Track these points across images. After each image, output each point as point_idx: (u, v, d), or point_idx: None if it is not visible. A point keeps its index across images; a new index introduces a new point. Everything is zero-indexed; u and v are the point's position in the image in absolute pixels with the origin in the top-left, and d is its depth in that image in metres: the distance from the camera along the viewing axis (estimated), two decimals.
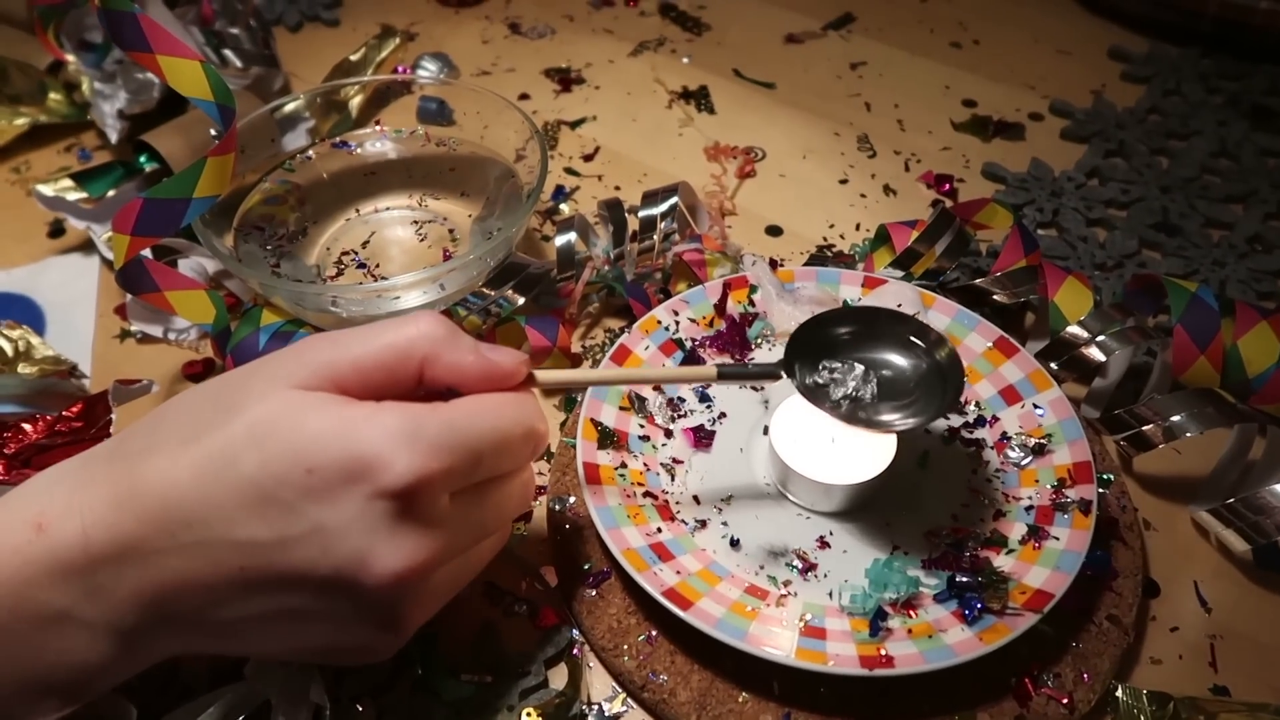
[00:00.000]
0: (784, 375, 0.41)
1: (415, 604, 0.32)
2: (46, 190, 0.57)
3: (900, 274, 0.54)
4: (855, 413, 0.41)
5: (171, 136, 0.60)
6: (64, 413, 0.48)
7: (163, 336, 0.55)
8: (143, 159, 0.60)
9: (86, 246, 0.60)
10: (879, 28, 0.80)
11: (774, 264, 0.54)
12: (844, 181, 0.66)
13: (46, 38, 0.64)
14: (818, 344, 0.42)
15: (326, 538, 0.29)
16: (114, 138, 0.62)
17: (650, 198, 0.57)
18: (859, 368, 0.42)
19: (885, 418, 0.41)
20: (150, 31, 0.45)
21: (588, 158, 0.68)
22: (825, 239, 0.62)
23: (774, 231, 0.62)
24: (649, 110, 0.72)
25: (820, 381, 0.42)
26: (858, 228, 0.62)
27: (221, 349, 0.50)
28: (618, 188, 0.65)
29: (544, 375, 0.37)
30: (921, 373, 0.42)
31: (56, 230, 0.62)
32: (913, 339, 0.42)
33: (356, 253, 0.55)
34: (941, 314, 0.51)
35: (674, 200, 0.56)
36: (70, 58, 0.66)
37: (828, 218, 0.63)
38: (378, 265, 0.55)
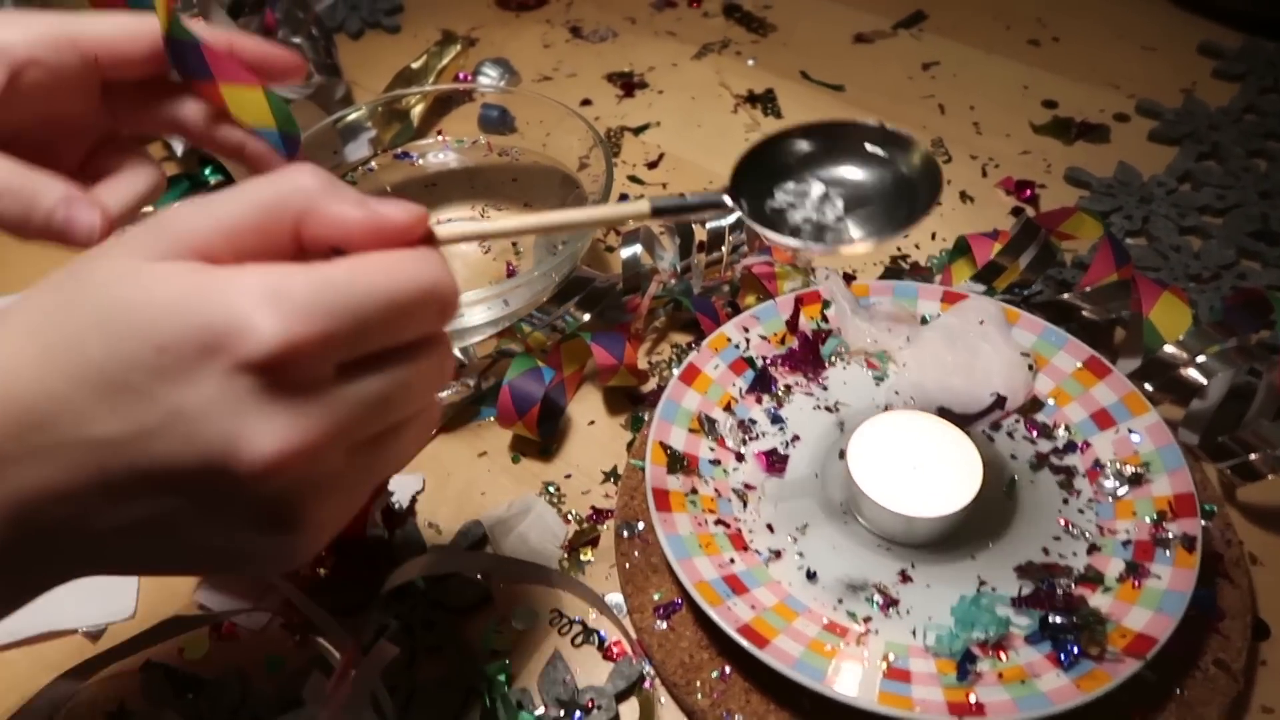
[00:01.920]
0: (729, 204, 0.33)
1: (312, 496, 0.27)
2: None
3: (982, 288, 0.52)
4: (820, 236, 0.34)
5: None
6: None
7: None
8: (208, 171, 0.60)
9: None
10: (952, 25, 0.77)
11: (848, 278, 0.52)
12: None
13: None
14: (771, 167, 0.35)
15: (187, 424, 0.25)
16: (179, 148, 0.62)
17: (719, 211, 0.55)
18: (817, 185, 0.35)
19: (853, 237, 0.34)
20: (213, 60, 0.44)
21: (651, 165, 0.66)
22: (899, 249, 0.59)
23: None
24: (714, 115, 0.70)
25: (776, 207, 0.35)
26: (933, 237, 0.60)
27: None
28: (682, 195, 0.63)
29: (444, 230, 0.30)
30: (890, 183, 0.35)
31: None
32: (877, 148, 0.35)
33: None
34: (1027, 331, 0.48)
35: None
36: None
37: None
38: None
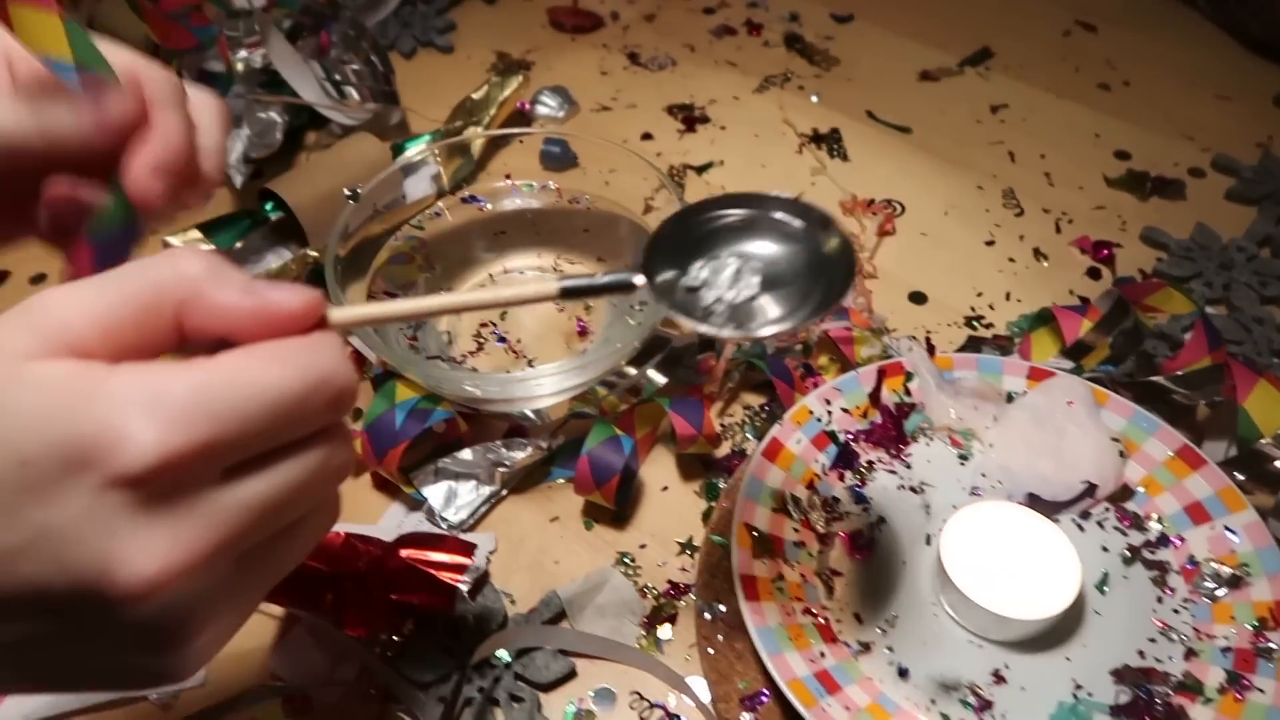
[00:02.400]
0: (638, 284, 0.31)
1: (198, 613, 0.25)
2: (175, 241, 0.56)
3: (1069, 365, 0.50)
4: (734, 316, 0.32)
5: (298, 185, 0.58)
6: None
7: None
8: (269, 207, 0.59)
9: None
10: (1019, 65, 0.76)
11: (931, 348, 0.51)
12: (990, 243, 0.62)
13: None
14: (689, 240, 0.33)
15: (56, 544, 0.24)
16: (239, 182, 0.61)
17: None
18: (730, 263, 0.33)
19: (768, 320, 0.32)
20: None
21: None
22: (973, 309, 0.58)
23: (918, 299, 0.59)
24: (778, 154, 0.68)
25: (692, 284, 0.33)
26: (1008, 297, 0.59)
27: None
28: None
29: (340, 313, 0.28)
30: (806, 261, 0.33)
31: None
32: (793, 220, 0.33)
33: (495, 324, 0.54)
34: (1116, 414, 0.47)
35: None
36: None
37: (974, 284, 0.60)
38: (519, 340, 0.53)
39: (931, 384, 0.49)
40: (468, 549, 0.42)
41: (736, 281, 0.33)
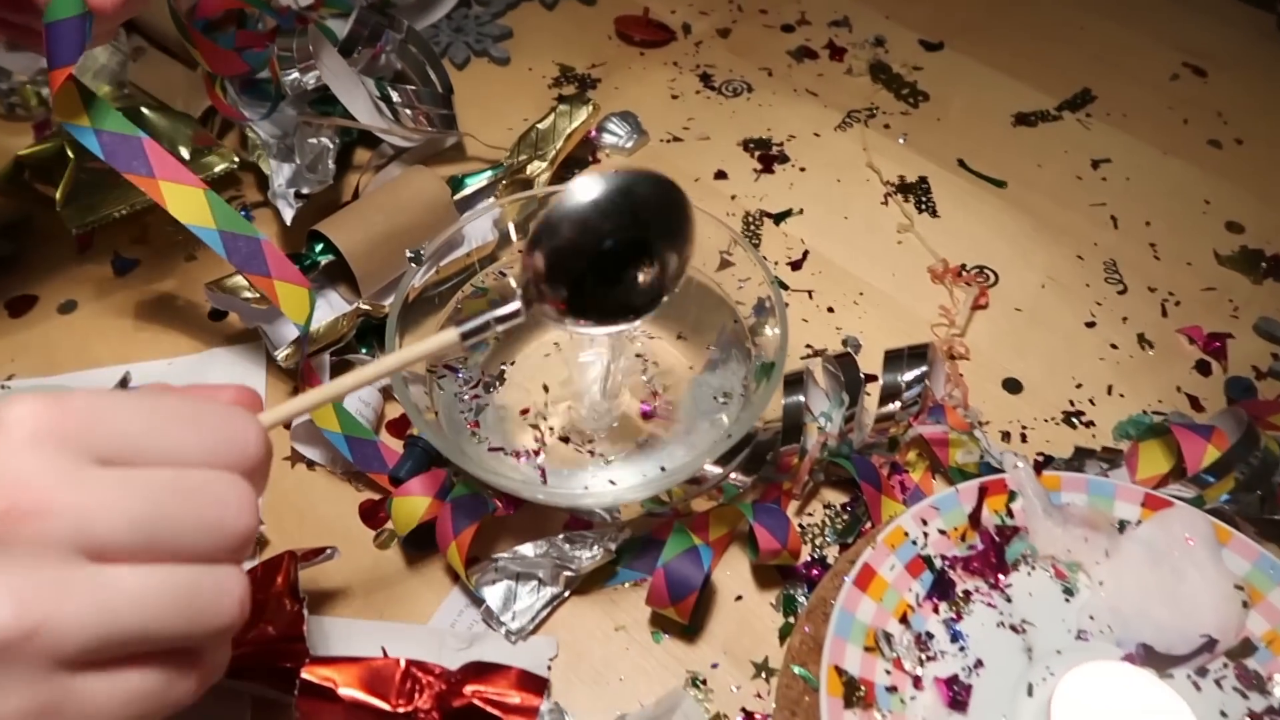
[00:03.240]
0: (522, 312, 0.35)
1: None
2: (221, 290, 0.52)
3: (1189, 494, 0.46)
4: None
5: (351, 228, 0.54)
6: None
7: (322, 462, 0.51)
8: (319, 248, 0.55)
9: (252, 337, 0.55)
10: (1122, 111, 0.70)
11: (1039, 466, 0.47)
12: (1091, 324, 0.57)
13: (216, 94, 0.58)
14: (573, 240, 0.35)
15: None
16: (288, 217, 0.56)
17: (895, 360, 0.49)
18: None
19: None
20: (153, 155, 0.46)
21: (795, 265, 0.60)
22: (1072, 402, 0.54)
23: (1012, 386, 0.55)
24: (862, 205, 0.64)
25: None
26: (1110, 390, 0.54)
27: (303, 349, 0.50)
28: (831, 309, 0.58)
29: (267, 416, 0.30)
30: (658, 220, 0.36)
31: (218, 312, 0.57)
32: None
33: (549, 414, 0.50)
34: (1240, 556, 0.43)
35: (924, 369, 0.49)
36: (244, 114, 0.59)
37: (1074, 372, 0.55)
38: (590, 442, 0.49)
39: (1038, 508, 0.45)
40: (538, 686, 0.39)
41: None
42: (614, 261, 0.36)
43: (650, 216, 0.35)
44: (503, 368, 0.51)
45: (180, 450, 0.26)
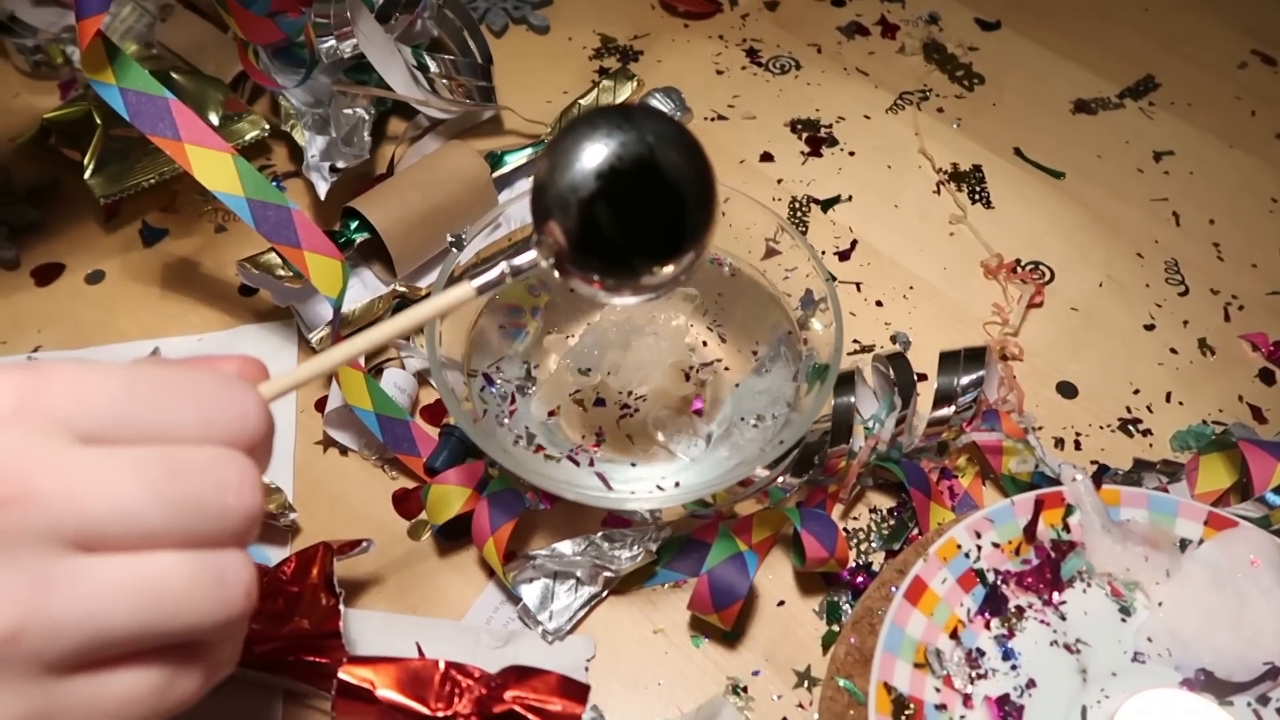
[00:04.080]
0: (542, 262, 0.32)
1: None
2: (254, 267, 0.50)
3: (1255, 514, 0.45)
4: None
5: (388, 206, 0.52)
6: (280, 569, 0.43)
7: (355, 448, 0.49)
8: (353, 226, 0.53)
9: (283, 315, 0.54)
10: (1186, 100, 0.67)
11: (1097, 480, 0.45)
12: (1150, 327, 0.55)
13: (248, 59, 0.56)
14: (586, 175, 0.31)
15: None
16: (323, 192, 0.54)
17: (950, 362, 0.48)
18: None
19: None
20: (181, 119, 0.44)
21: (843, 255, 0.58)
22: (1129, 409, 0.52)
23: (1067, 391, 0.53)
24: (913, 193, 0.61)
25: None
26: (1168, 398, 0.52)
27: (335, 326, 0.49)
28: (879, 303, 0.56)
29: (268, 387, 0.28)
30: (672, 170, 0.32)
31: (248, 287, 0.55)
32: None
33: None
34: None
35: (981, 374, 0.47)
36: (277, 81, 0.57)
37: (1131, 377, 0.53)
38: (634, 442, 0.47)
39: (1096, 523, 0.44)
40: (580, 693, 0.38)
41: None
42: (631, 203, 0.31)
43: (664, 153, 0.31)
44: (528, 365, 0.49)
45: (173, 425, 0.24)
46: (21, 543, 0.21)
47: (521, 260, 0.32)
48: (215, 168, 0.44)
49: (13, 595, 0.21)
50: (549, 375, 0.49)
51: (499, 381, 0.48)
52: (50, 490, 0.21)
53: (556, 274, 0.32)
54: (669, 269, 0.33)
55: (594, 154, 0.31)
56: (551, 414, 0.48)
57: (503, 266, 0.32)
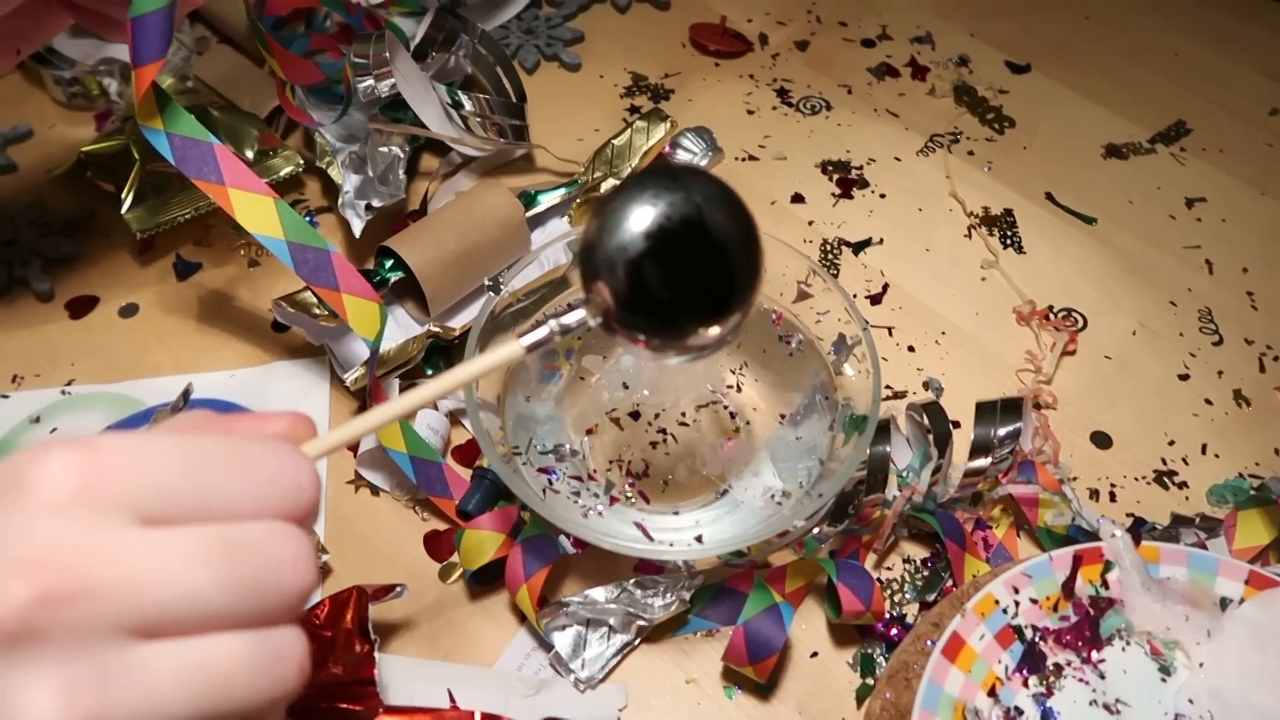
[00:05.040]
0: (591, 321, 0.32)
1: None
2: (289, 306, 0.50)
3: None
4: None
5: (423, 246, 0.52)
6: (312, 612, 0.42)
7: (387, 488, 0.49)
8: (388, 264, 0.53)
9: (316, 352, 0.54)
10: (1218, 146, 0.67)
11: (1137, 535, 0.44)
12: (1184, 377, 0.55)
13: (285, 95, 0.56)
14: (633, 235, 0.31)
15: None
16: (358, 230, 0.55)
17: (987, 413, 0.47)
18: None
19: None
20: (224, 161, 0.44)
21: (874, 299, 0.58)
22: (1165, 461, 0.52)
23: (1101, 441, 0.52)
24: (944, 236, 0.61)
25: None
26: (1204, 450, 0.52)
27: (372, 369, 0.48)
28: (911, 348, 0.56)
29: (313, 446, 0.27)
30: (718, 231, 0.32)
31: (281, 324, 0.56)
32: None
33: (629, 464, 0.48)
34: None
35: (1019, 425, 0.47)
36: (313, 117, 0.58)
37: (1166, 428, 0.53)
38: (666, 486, 0.47)
39: (1136, 581, 0.43)
40: None
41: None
42: (678, 264, 0.31)
43: (712, 215, 0.32)
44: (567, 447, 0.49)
45: (230, 501, 0.23)
46: (86, 637, 0.20)
47: (570, 319, 0.32)
48: (257, 211, 0.44)
49: (76, 691, 0.20)
50: (587, 392, 0.49)
51: (535, 455, 0.48)
52: (116, 581, 0.21)
53: (605, 332, 0.32)
54: (715, 330, 0.33)
55: (642, 215, 0.31)
56: (589, 432, 0.48)
57: (552, 325, 0.32)
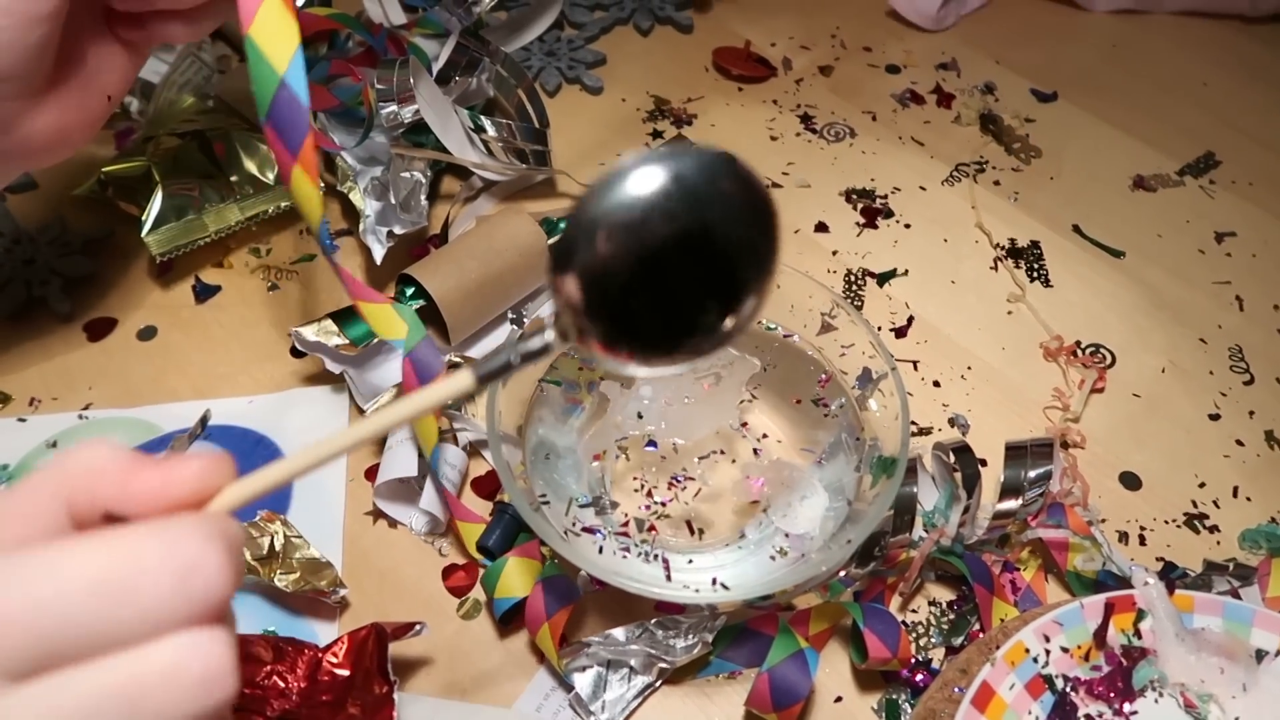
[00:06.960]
0: (553, 346, 0.27)
1: None
2: (308, 334, 0.50)
3: None
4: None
5: (444, 275, 0.51)
6: (326, 654, 0.42)
7: (404, 522, 0.49)
8: (409, 292, 0.52)
9: (335, 379, 0.53)
10: (1248, 179, 0.66)
11: (1167, 579, 0.44)
12: (1215, 417, 0.54)
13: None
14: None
15: None
16: (379, 256, 0.54)
17: (1017, 455, 0.46)
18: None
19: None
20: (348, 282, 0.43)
21: (899, 332, 0.57)
22: (1195, 503, 0.51)
23: (1130, 482, 0.51)
24: (970, 268, 0.60)
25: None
26: (1235, 493, 0.51)
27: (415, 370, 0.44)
28: (936, 383, 0.55)
29: (230, 494, 0.25)
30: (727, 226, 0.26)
31: (300, 350, 0.55)
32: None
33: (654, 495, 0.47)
34: None
35: (1049, 468, 0.46)
36: (334, 141, 0.57)
37: (1196, 469, 0.52)
38: (702, 532, 0.46)
39: (1170, 631, 0.42)
40: None
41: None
42: (667, 272, 0.26)
43: (712, 206, 0.26)
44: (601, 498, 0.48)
45: (119, 633, 0.21)
46: None
47: (534, 344, 0.27)
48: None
49: None
50: (604, 418, 0.48)
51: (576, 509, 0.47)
52: None
53: (581, 351, 0.27)
54: (718, 325, 0.27)
55: (623, 233, 0.25)
56: (597, 458, 0.47)
57: (509, 355, 0.27)
